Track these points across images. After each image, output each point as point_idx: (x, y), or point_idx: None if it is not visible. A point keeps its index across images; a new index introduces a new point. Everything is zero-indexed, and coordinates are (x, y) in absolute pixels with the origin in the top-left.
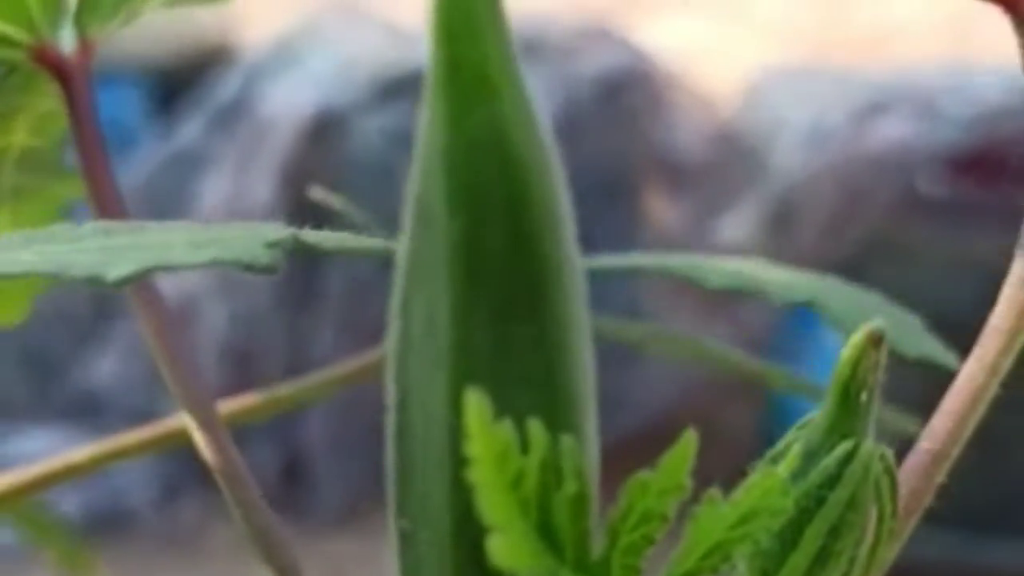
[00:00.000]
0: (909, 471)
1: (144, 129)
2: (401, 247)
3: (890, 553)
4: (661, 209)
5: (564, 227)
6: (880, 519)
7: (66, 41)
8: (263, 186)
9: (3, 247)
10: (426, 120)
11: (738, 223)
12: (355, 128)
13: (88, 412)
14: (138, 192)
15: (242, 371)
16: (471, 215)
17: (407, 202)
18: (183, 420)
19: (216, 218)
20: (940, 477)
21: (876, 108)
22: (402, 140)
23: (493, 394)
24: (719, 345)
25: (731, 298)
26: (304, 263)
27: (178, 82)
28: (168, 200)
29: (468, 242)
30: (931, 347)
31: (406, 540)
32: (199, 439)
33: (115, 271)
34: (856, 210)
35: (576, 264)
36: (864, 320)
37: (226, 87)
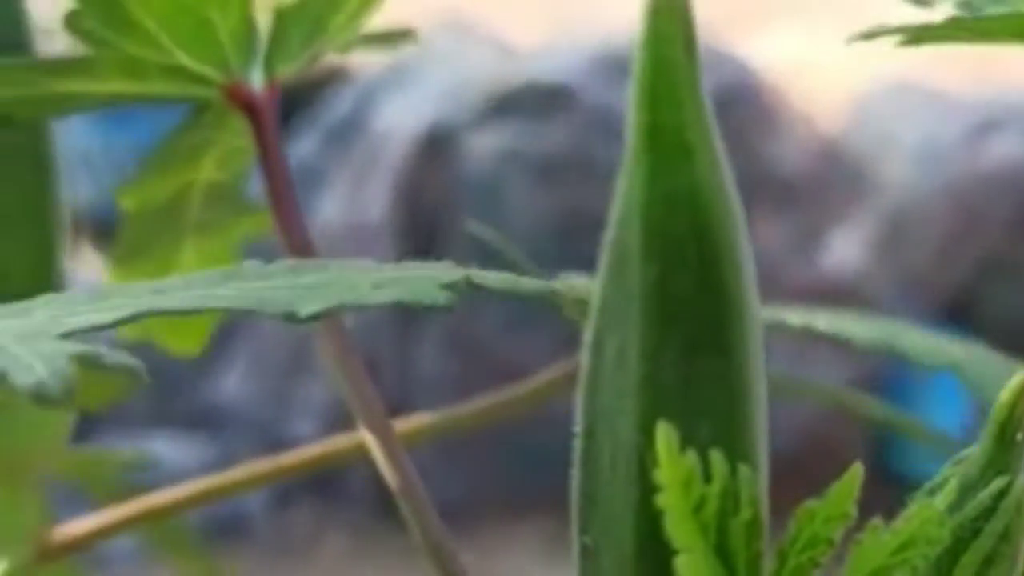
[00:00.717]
0: None
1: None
2: (595, 288)
3: None
4: (768, 227)
5: (747, 275)
6: None
7: (255, 80)
8: (377, 202)
9: (204, 284)
10: (626, 176)
11: (848, 242)
12: (467, 145)
13: (210, 425)
14: None
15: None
16: (665, 263)
17: (603, 248)
18: (345, 439)
19: (331, 234)
20: None
21: (989, 125)
22: (512, 156)
23: (679, 425)
24: (838, 388)
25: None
26: None
27: (295, 101)
28: None
29: (661, 287)
30: None
31: (588, 556)
32: (377, 456)
33: (306, 309)
34: (970, 230)
35: (756, 308)
36: (1000, 385)
37: (340, 105)
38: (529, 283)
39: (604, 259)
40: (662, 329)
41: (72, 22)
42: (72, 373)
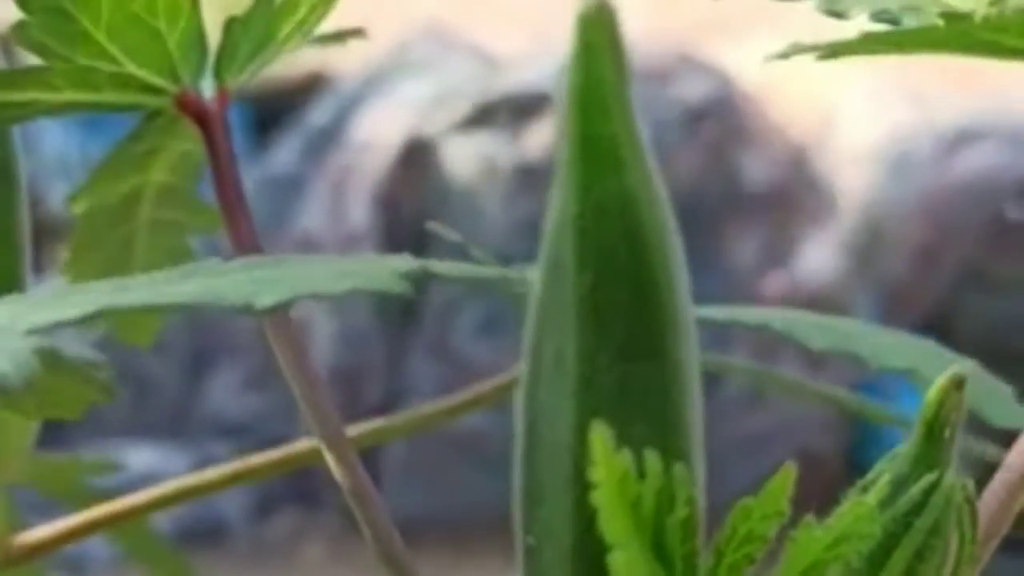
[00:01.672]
0: (988, 499)
1: (241, 154)
2: (533, 294)
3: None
4: (740, 236)
5: (679, 281)
6: (961, 544)
7: (205, 88)
8: (357, 211)
9: (164, 281)
10: (559, 186)
11: (818, 252)
12: (446, 153)
13: (191, 433)
14: None
15: (346, 389)
16: (598, 271)
17: (540, 256)
18: (305, 443)
19: (311, 242)
20: (1017, 506)
21: (963, 136)
22: (491, 165)
23: (614, 426)
24: (815, 382)
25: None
26: None
27: (274, 108)
28: (265, 223)
29: (595, 293)
30: (1018, 415)
31: (531, 555)
32: (330, 460)
33: (262, 301)
34: (945, 241)
35: (689, 312)
36: None
37: (321, 114)
38: (481, 271)
39: (540, 266)
40: (596, 334)
41: (22, 34)
42: (34, 367)
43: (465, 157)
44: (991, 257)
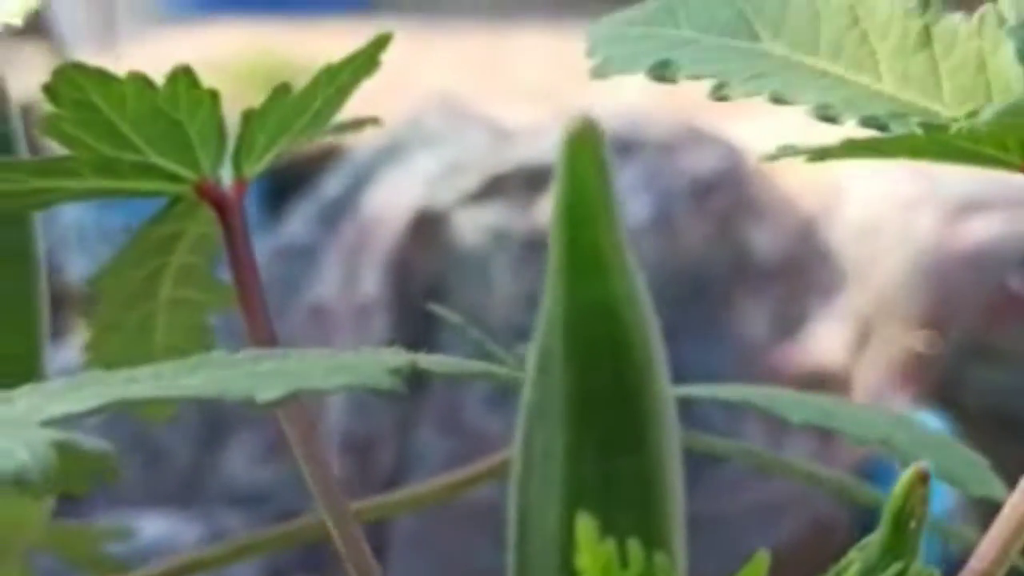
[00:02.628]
0: None
1: (256, 224)
2: (525, 388)
3: None
4: (748, 309)
5: (661, 377)
6: None
7: (224, 177)
8: (370, 280)
9: (172, 373)
10: (549, 287)
11: (827, 326)
12: (458, 224)
13: (205, 503)
14: None
15: (357, 456)
16: (584, 370)
17: (531, 353)
18: (314, 518)
19: (325, 310)
20: None
21: (967, 207)
22: (502, 236)
23: (599, 516)
24: (806, 463)
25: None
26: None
27: (289, 179)
28: (278, 292)
29: (581, 389)
30: (994, 487)
31: None
32: (336, 537)
33: (264, 395)
34: (949, 310)
35: (671, 405)
36: (931, 459)
37: (334, 184)
38: (471, 367)
39: (531, 361)
40: (582, 429)
41: (51, 126)
42: (52, 459)
43: (476, 227)
44: (996, 327)
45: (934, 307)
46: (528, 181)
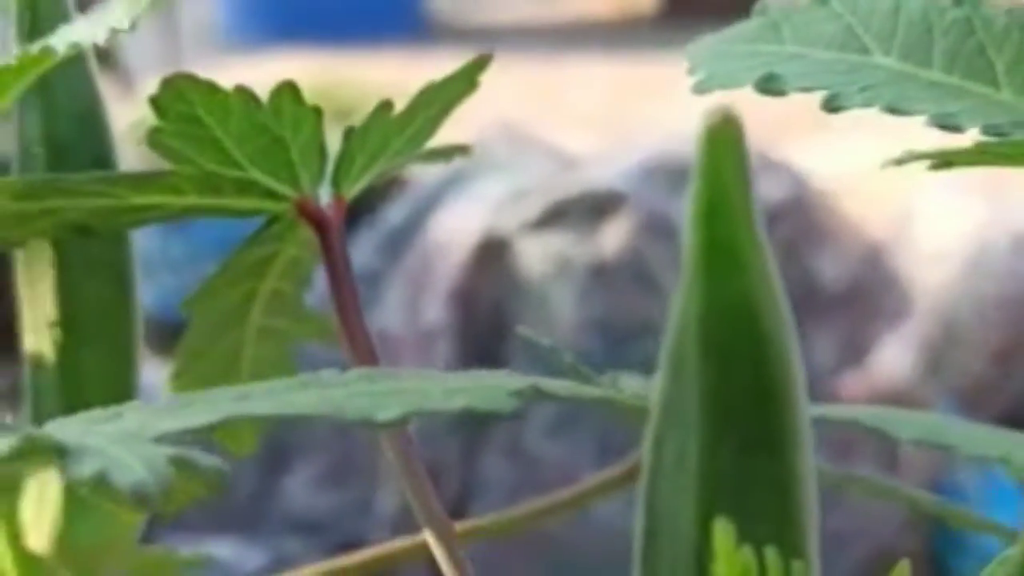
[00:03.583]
0: None
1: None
2: (656, 392)
3: None
4: (816, 336)
5: (797, 380)
6: None
7: (323, 196)
8: (433, 308)
9: (284, 390)
10: (684, 288)
11: (895, 353)
12: (521, 251)
13: (271, 531)
14: None
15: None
16: (721, 369)
17: (663, 354)
18: (411, 540)
19: (390, 339)
20: None
21: None
22: (564, 263)
23: (735, 521)
24: (899, 484)
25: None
26: None
27: (353, 207)
28: None
29: (718, 391)
30: None
31: None
32: (440, 558)
33: (383, 415)
34: (1020, 341)
35: (806, 410)
36: None
37: (398, 212)
38: (591, 391)
39: (664, 364)
40: (719, 430)
41: (154, 139)
42: (169, 474)
43: (539, 255)
44: None
45: (1005, 336)
46: (591, 208)
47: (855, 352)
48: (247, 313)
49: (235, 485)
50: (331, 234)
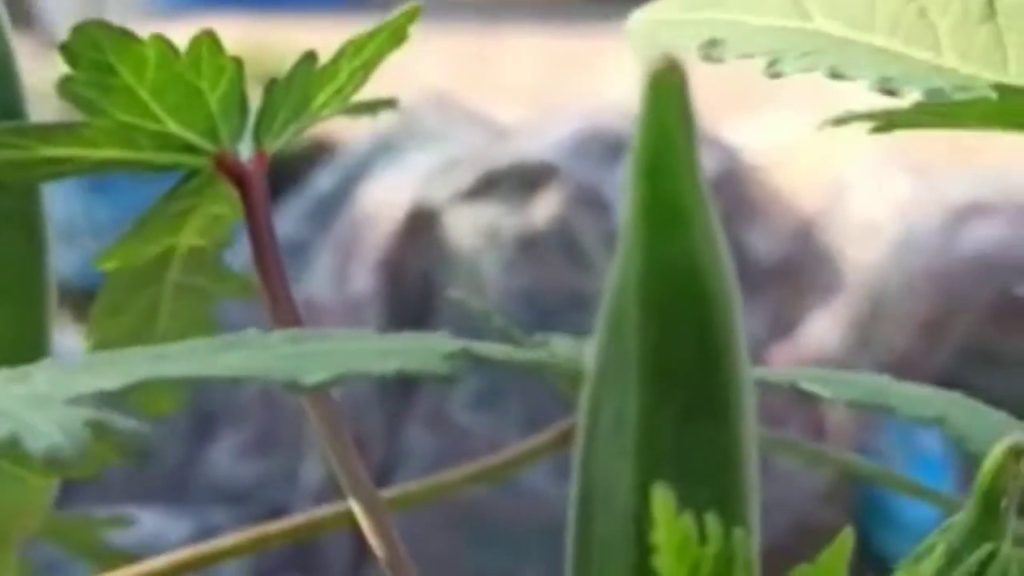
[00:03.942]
0: None
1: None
2: (592, 354)
3: None
4: (750, 309)
5: (740, 341)
6: None
7: (244, 150)
8: (361, 277)
9: (206, 351)
10: (625, 244)
11: (824, 326)
12: (450, 222)
13: (194, 500)
14: None
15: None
16: (662, 330)
17: (601, 315)
18: (335, 507)
19: (316, 308)
20: None
21: (968, 211)
22: (495, 234)
23: (675, 488)
24: (834, 450)
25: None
26: None
27: (279, 175)
28: None
29: (659, 351)
30: None
31: None
32: (365, 526)
33: (310, 378)
34: (948, 315)
35: (748, 373)
36: (991, 439)
37: (326, 180)
38: (525, 354)
39: (601, 325)
40: (659, 393)
41: (66, 88)
42: (85, 438)
43: (469, 226)
44: (997, 333)
45: (934, 311)
46: (522, 179)
47: (785, 326)
48: (164, 270)
49: (160, 454)
50: (252, 190)
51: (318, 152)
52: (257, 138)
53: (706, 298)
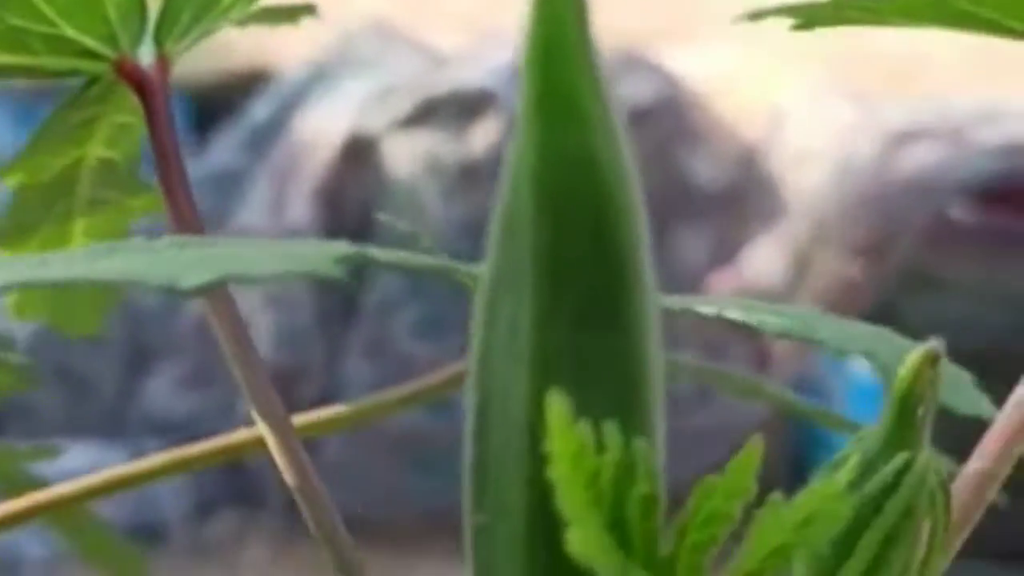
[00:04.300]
0: (960, 488)
1: (182, 149)
2: (487, 257)
3: (941, 566)
4: (687, 236)
5: (643, 244)
6: (933, 530)
7: (145, 56)
8: (298, 206)
9: (87, 257)
10: (517, 139)
11: (765, 251)
12: (388, 150)
13: (129, 432)
14: None
15: (284, 385)
16: (557, 228)
17: (494, 215)
18: (247, 432)
19: (254, 234)
20: (990, 495)
21: (906, 136)
22: (433, 162)
23: (572, 396)
24: (766, 382)
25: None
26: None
27: (215, 103)
28: (205, 219)
29: (553, 252)
30: (981, 405)
31: (482, 535)
32: (274, 450)
33: (188, 281)
34: (887, 239)
35: (652, 281)
36: None
37: (262, 109)
38: (423, 259)
39: (494, 228)
40: (554, 296)
41: None
42: None
43: (407, 154)
44: (934, 257)
45: (872, 235)
46: (460, 106)
47: (727, 253)
48: (73, 184)
49: (97, 388)
50: (154, 97)
51: (253, 81)
52: (158, 42)
53: (604, 194)
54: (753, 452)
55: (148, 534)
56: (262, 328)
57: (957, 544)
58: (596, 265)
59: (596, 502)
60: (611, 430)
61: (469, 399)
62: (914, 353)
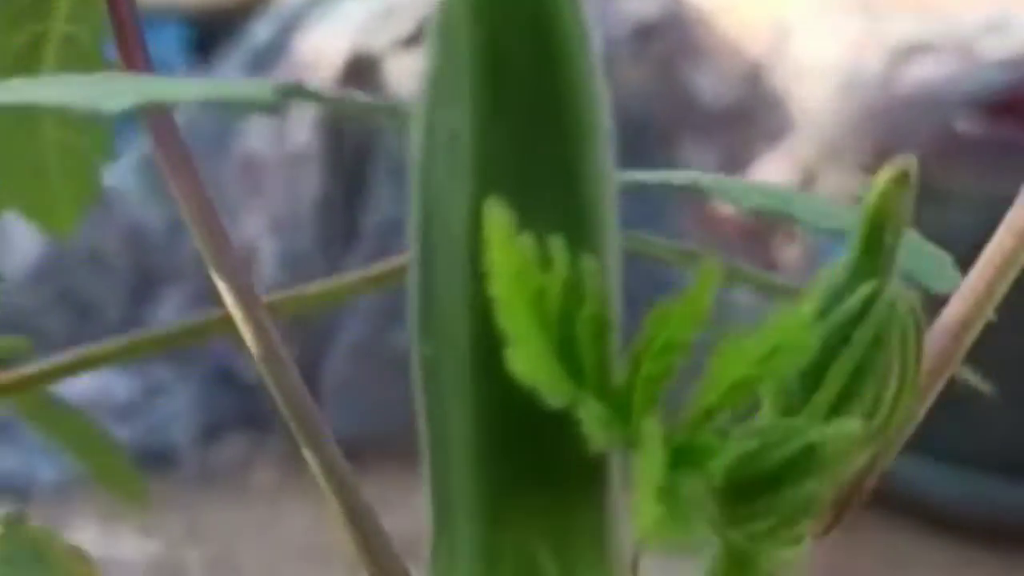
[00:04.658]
0: (937, 332)
1: (182, 73)
2: (424, 62)
3: (916, 408)
4: (693, 153)
5: (590, 51)
6: (904, 365)
7: None
8: (300, 129)
9: (20, 86)
10: None
11: (772, 167)
12: (390, 70)
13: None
14: None
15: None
16: (495, 22)
17: (430, 18)
18: (217, 312)
19: (256, 163)
20: (968, 340)
21: (912, 49)
22: None
23: (514, 209)
24: (754, 269)
25: (764, 233)
26: (345, 204)
27: (215, 28)
28: (207, 144)
29: (492, 52)
30: (957, 283)
31: (428, 367)
32: (241, 324)
33: (110, 104)
34: (893, 152)
35: (601, 86)
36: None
37: (262, 32)
38: (360, 96)
39: (431, 28)
40: (494, 102)
41: None
42: None
43: (409, 74)
44: (940, 169)
45: (879, 149)
46: None
47: (733, 169)
48: (36, 63)
49: (102, 313)
50: None
51: (254, 3)
52: None
53: None
54: (709, 277)
55: (157, 458)
56: (267, 252)
57: (935, 391)
58: (540, 68)
59: (541, 323)
60: (557, 245)
61: (412, 211)
62: (883, 175)
